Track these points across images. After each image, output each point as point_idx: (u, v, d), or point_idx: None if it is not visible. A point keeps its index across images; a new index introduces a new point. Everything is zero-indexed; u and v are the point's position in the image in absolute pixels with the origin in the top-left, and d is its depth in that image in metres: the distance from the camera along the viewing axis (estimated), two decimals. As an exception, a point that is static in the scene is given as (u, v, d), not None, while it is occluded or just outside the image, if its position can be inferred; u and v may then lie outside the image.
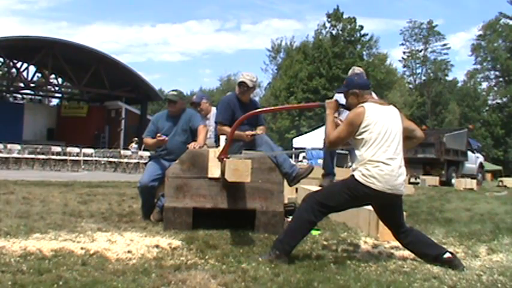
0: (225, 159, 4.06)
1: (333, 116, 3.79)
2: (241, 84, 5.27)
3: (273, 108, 5.05)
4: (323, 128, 3.81)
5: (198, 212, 4.69)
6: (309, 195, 3.69)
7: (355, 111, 3.59)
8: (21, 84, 31.30)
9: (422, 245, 3.64)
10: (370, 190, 3.45)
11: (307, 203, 3.58)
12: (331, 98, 4.35)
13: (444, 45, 56.59)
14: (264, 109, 5.62)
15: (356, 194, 3.51)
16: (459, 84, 57.19)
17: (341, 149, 3.94)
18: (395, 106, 3.93)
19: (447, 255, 3.51)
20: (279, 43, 53.60)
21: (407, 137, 3.77)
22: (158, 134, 5.17)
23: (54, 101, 36.23)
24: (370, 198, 3.56)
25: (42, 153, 19.22)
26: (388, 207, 3.67)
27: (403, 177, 3.58)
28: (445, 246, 3.81)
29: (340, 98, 3.98)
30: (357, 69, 6.53)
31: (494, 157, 45.87)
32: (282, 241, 3.52)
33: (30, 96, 35.48)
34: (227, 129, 4.95)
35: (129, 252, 3.63)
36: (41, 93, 34.43)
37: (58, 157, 19.07)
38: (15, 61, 28.52)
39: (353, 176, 3.54)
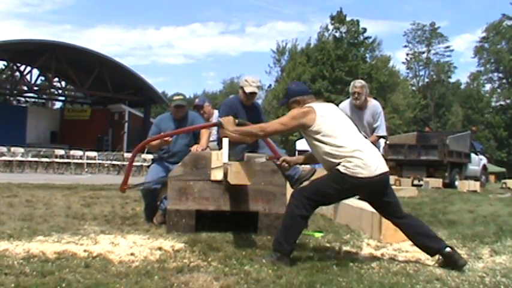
0: (228, 161, 4.07)
1: (235, 128, 3.81)
2: (251, 94, 5.23)
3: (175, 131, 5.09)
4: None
5: (201, 214, 4.70)
6: (297, 191, 3.72)
7: (302, 110, 3.66)
8: (25, 88, 31.43)
9: (424, 237, 3.64)
10: (358, 180, 3.48)
11: (296, 199, 3.59)
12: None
13: (447, 47, 56.66)
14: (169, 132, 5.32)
15: (344, 187, 3.53)
16: (462, 86, 57.15)
17: None
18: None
19: (448, 250, 3.52)
20: (284, 45, 53.51)
21: None
22: (162, 134, 5.19)
23: (58, 104, 36.23)
24: (359, 187, 3.58)
25: (46, 156, 19.30)
26: (378, 192, 3.66)
27: (379, 155, 3.69)
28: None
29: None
30: (358, 82, 6.52)
31: (497, 159, 45.77)
32: (280, 242, 3.52)
33: (33, 100, 35.59)
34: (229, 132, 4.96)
35: (132, 254, 3.64)
36: (44, 96, 34.49)
37: (61, 160, 19.14)
38: (19, 64, 28.58)
39: (338, 170, 3.53)
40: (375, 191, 3.66)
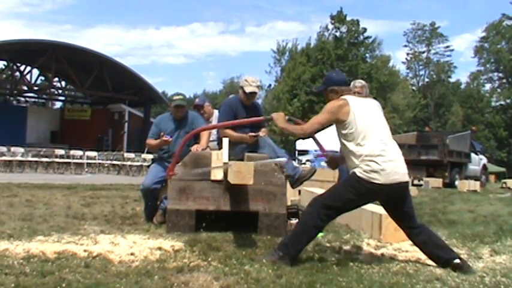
0: (229, 162, 4.07)
1: (284, 125, 3.82)
2: (251, 94, 5.23)
3: (218, 124, 5.11)
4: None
5: (201, 214, 4.70)
6: (315, 199, 3.66)
7: (338, 103, 3.59)
8: (25, 88, 31.40)
9: (434, 246, 3.60)
10: (373, 185, 3.43)
11: (313, 208, 3.56)
12: None
13: (447, 47, 56.68)
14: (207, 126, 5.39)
15: (361, 191, 3.48)
16: (462, 86, 57.14)
17: None
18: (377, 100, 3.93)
19: (457, 261, 3.48)
20: (284, 45, 53.39)
21: None
22: (162, 134, 5.19)
23: (58, 104, 36.22)
24: (376, 193, 3.52)
25: (46, 156, 19.27)
26: (395, 199, 3.62)
27: (402, 163, 3.56)
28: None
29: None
30: (358, 82, 6.50)
31: (497, 159, 45.76)
32: (287, 244, 3.51)
33: (33, 99, 35.54)
34: (229, 132, 4.96)
35: (131, 254, 3.64)
36: (44, 96, 34.47)
37: (61, 160, 19.11)
38: (19, 64, 28.56)
39: (354, 173, 3.51)
40: (391, 198, 3.61)
